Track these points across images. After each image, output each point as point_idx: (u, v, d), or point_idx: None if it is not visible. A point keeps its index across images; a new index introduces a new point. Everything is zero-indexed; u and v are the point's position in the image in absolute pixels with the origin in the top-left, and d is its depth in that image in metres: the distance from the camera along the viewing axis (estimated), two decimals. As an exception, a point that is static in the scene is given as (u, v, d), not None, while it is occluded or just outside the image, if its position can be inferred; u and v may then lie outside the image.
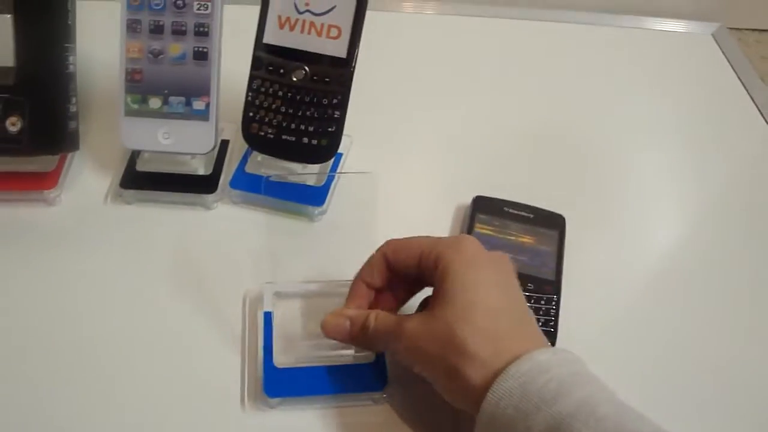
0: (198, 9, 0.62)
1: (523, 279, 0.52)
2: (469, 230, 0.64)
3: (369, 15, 0.60)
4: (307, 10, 0.61)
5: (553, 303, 0.60)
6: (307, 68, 0.62)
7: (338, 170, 0.67)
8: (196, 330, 0.57)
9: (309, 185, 0.65)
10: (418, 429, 0.52)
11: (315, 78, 0.62)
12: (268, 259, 0.60)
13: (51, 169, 0.65)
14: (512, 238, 0.64)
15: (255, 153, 0.66)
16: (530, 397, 0.42)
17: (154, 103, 0.63)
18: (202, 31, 0.62)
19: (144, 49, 0.62)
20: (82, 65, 0.65)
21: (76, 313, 0.57)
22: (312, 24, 0.61)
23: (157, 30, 0.62)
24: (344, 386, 0.52)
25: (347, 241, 0.63)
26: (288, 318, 0.56)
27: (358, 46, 0.61)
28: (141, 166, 0.65)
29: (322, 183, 0.66)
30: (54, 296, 0.58)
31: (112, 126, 0.64)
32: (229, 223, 0.64)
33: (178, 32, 0.62)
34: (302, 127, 0.63)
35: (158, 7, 0.62)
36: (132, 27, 0.62)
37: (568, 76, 0.85)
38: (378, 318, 0.50)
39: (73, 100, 0.63)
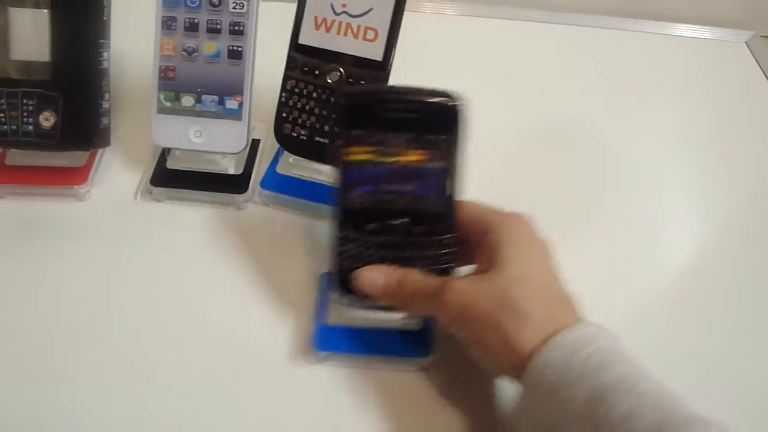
0: (234, 7, 0.61)
1: (410, 222, 0.50)
2: (340, 159, 0.50)
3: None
4: (344, 12, 0.61)
5: (450, 245, 0.51)
6: (342, 70, 0.61)
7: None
8: (236, 322, 0.57)
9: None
10: (457, 400, 0.52)
11: (350, 80, 0.61)
12: (298, 257, 0.60)
13: (82, 164, 0.64)
14: (393, 159, 0.50)
15: (286, 153, 0.65)
16: (575, 366, 0.43)
17: (187, 101, 0.63)
18: (238, 30, 0.61)
19: (178, 47, 0.62)
20: (114, 60, 0.64)
21: (106, 306, 0.57)
22: (348, 25, 0.61)
23: (192, 28, 0.62)
24: (389, 349, 0.53)
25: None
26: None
27: (394, 49, 0.61)
28: (171, 164, 0.65)
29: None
30: (84, 290, 0.58)
31: (143, 122, 0.64)
32: (259, 223, 0.64)
33: (213, 30, 0.61)
34: (336, 129, 0.62)
35: (194, 5, 0.61)
36: (167, 24, 0.62)
37: (595, 81, 0.84)
38: (416, 275, 0.50)
39: (106, 96, 0.63)
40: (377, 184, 0.51)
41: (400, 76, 0.60)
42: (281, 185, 0.64)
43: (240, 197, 0.64)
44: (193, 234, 0.63)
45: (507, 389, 0.52)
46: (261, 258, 0.61)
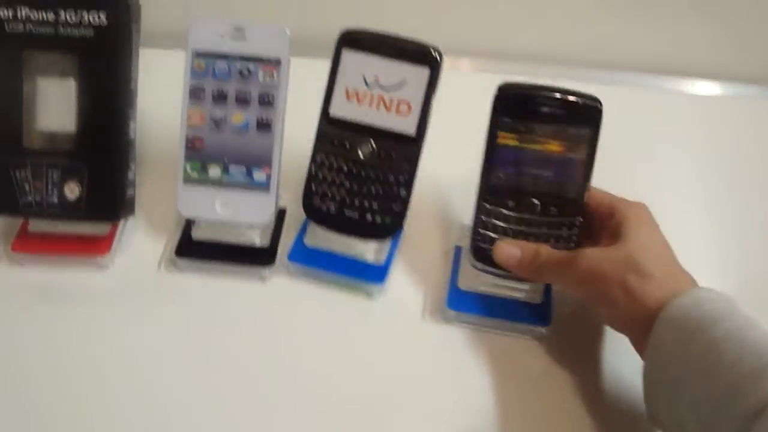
0: (264, 78, 0.60)
1: (545, 203, 0.58)
2: (491, 141, 0.57)
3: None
4: (377, 84, 0.59)
5: (575, 227, 0.58)
6: (374, 144, 0.60)
7: (399, 246, 0.65)
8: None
9: (368, 262, 0.63)
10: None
11: (382, 154, 0.60)
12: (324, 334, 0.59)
13: (105, 233, 0.63)
14: (538, 146, 0.57)
15: (314, 224, 0.63)
16: (693, 320, 0.48)
17: (214, 171, 0.61)
18: (267, 101, 0.60)
19: (206, 117, 0.61)
20: (138, 125, 0.63)
21: (129, 378, 0.56)
22: (381, 98, 0.60)
23: (220, 98, 0.60)
24: (513, 316, 0.59)
25: (404, 318, 0.61)
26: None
27: (427, 124, 0.59)
28: (197, 235, 0.63)
29: (383, 260, 0.63)
30: (107, 361, 0.57)
31: (167, 190, 0.63)
32: (285, 297, 0.62)
33: (242, 101, 0.60)
34: (366, 203, 0.61)
35: (223, 75, 0.60)
36: (195, 94, 0.60)
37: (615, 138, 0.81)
38: (549, 249, 0.56)
39: (132, 166, 0.62)
40: (520, 167, 0.58)
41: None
42: (310, 258, 0.63)
43: (267, 270, 0.62)
44: (218, 306, 0.61)
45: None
46: (287, 332, 0.60)
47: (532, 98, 0.57)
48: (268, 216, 0.62)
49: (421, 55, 0.59)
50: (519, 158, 0.58)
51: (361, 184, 0.60)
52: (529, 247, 0.57)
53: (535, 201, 0.58)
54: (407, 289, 0.63)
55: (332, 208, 0.61)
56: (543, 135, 0.57)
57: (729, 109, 0.86)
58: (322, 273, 0.63)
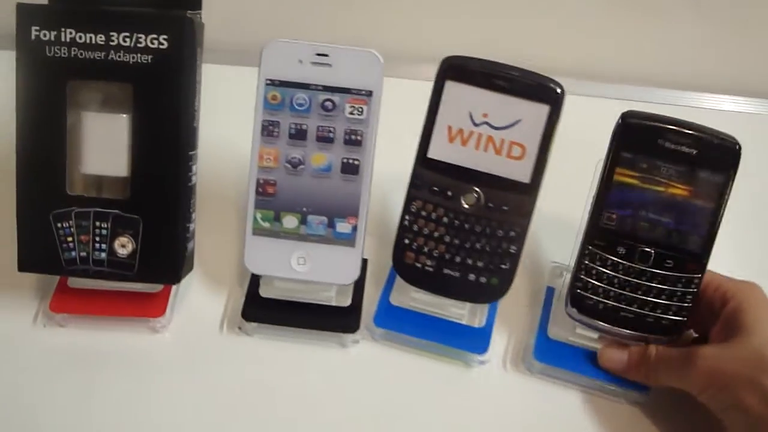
0: (351, 112, 0.51)
1: (661, 254, 0.50)
2: (606, 177, 0.50)
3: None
4: (485, 122, 0.50)
5: (693, 286, 0.50)
6: (480, 192, 0.51)
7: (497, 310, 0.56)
8: None
9: (467, 325, 0.54)
10: None
11: (490, 205, 0.51)
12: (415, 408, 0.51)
13: (158, 290, 0.54)
14: (660, 189, 0.50)
15: (401, 280, 0.54)
16: None
17: (290, 222, 0.52)
18: (354, 140, 0.51)
19: (281, 158, 0.51)
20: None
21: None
22: (490, 139, 0.50)
23: (298, 135, 0.51)
24: (608, 376, 0.52)
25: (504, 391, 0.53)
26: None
27: (544, 170, 0.50)
28: (266, 292, 0.54)
29: (482, 322, 0.54)
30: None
31: (228, 239, 0.57)
32: (370, 365, 0.54)
33: (325, 139, 0.51)
34: (469, 261, 0.52)
35: (302, 108, 0.51)
36: (268, 130, 0.51)
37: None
38: (659, 348, 0.51)
39: (193, 217, 0.52)
40: (636, 209, 0.50)
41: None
42: (399, 321, 0.54)
43: (350, 337, 0.53)
44: (292, 376, 0.53)
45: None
46: (372, 405, 0.52)
47: (660, 132, 0.49)
48: (353, 275, 0.53)
49: (540, 90, 0.49)
50: (636, 199, 0.50)
51: (464, 238, 0.52)
52: (635, 348, 0.52)
53: (650, 250, 0.50)
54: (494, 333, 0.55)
55: (429, 265, 0.52)
56: (667, 176, 0.49)
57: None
58: (414, 339, 0.54)
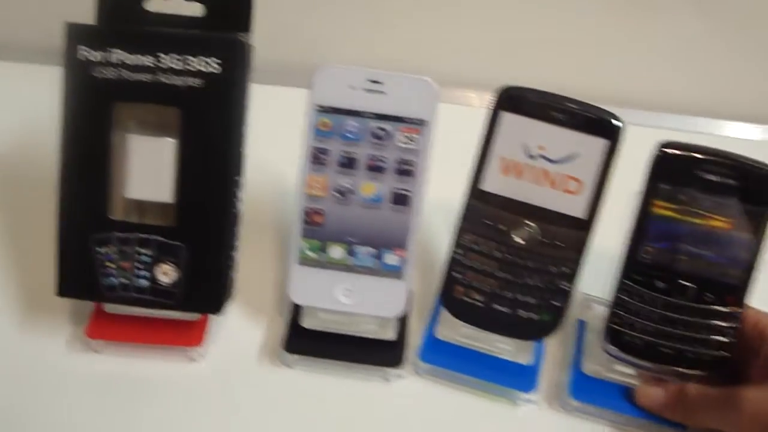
0: (403, 142, 0.49)
1: (701, 288, 0.48)
2: (643, 210, 0.49)
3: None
4: (541, 156, 0.49)
5: (734, 320, 0.49)
6: (534, 227, 0.49)
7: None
8: None
9: (514, 362, 0.53)
10: None
11: (544, 240, 0.49)
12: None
13: (195, 317, 0.52)
14: (699, 221, 0.48)
15: (446, 314, 0.53)
16: None
17: (336, 252, 0.51)
18: (406, 170, 0.49)
19: (329, 186, 0.50)
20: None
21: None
22: (545, 173, 0.49)
23: (348, 164, 0.49)
24: (647, 414, 0.50)
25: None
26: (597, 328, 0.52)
27: (600, 206, 0.49)
28: (308, 323, 0.53)
29: (530, 361, 0.53)
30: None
31: (267, 266, 0.56)
32: (414, 401, 0.52)
33: (375, 169, 0.50)
34: (520, 297, 0.50)
35: (353, 136, 0.49)
36: (317, 158, 0.50)
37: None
38: (698, 387, 0.49)
39: (237, 245, 0.50)
40: (675, 242, 0.49)
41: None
42: (445, 357, 0.52)
43: (394, 371, 0.52)
44: (333, 410, 0.51)
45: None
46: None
47: (699, 163, 0.48)
48: (400, 307, 0.51)
49: (599, 123, 0.48)
50: (674, 232, 0.49)
51: (515, 273, 0.50)
52: (674, 385, 0.50)
53: (689, 284, 0.49)
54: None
55: (479, 300, 0.51)
56: (706, 207, 0.48)
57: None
58: (460, 375, 0.52)
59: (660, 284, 0.49)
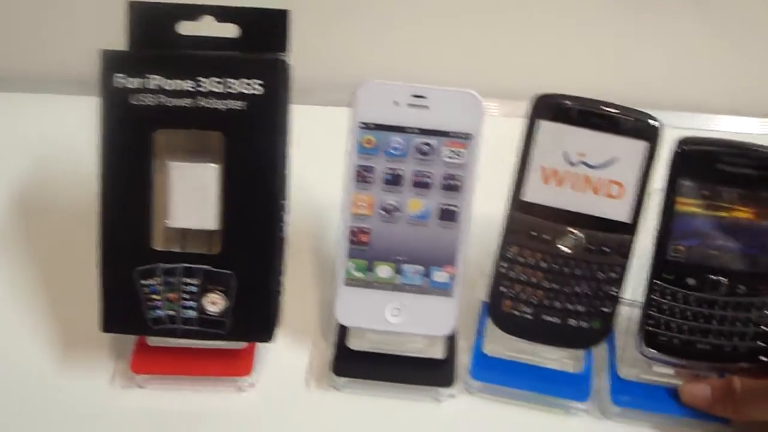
0: (449, 157, 0.49)
1: (733, 281, 0.48)
2: (668, 208, 0.49)
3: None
4: (582, 162, 0.49)
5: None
6: (579, 234, 0.49)
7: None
8: None
9: (565, 371, 0.52)
10: None
11: (590, 247, 0.49)
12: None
13: (241, 345, 0.51)
14: (724, 213, 0.48)
15: (493, 327, 0.52)
16: None
17: (384, 271, 0.50)
18: (452, 185, 0.49)
19: (375, 204, 0.49)
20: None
21: None
22: (587, 179, 0.49)
23: (393, 181, 0.49)
24: (691, 410, 0.50)
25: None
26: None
27: (644, 208, 0.49)
28: (356, 345, 0.52)
29: (581, 369, 0.53)
30: None
31: (310, 288, 0.55)
32: (467, 419, 0.52)
33: (421, 185, 0.49)
34: (569, 306, 0.50)
35: (398, 153, 0.49)
36: (362, 176, 0.49)
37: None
38: (744, 381, 0.48)
39: (284, 269, 0.50)
40: (703, 238, 0.49)
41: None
42: (496, 373, 0.52)
43: (446, 391, 0.51)
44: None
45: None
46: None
47: (719, 156, 0.48)
48: (451, 325, 0.51)
49: (637, 126, 0.48)
50: (701, 228, 0.49)
51: (563, 282, 0.50)
52: (720, 381, 0.50)
53: (722, 278, 0.49)
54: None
55: (528, 312, 0.51)
56: (730, 200, 0.48)
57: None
58: (513, 390, 0.52)
59: (691, 281, 0.49)
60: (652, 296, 0.50)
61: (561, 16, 0.77)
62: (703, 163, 0.48)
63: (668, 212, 0.49)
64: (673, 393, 0.51)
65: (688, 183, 0.48)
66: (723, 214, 0.48)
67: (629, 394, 0.51)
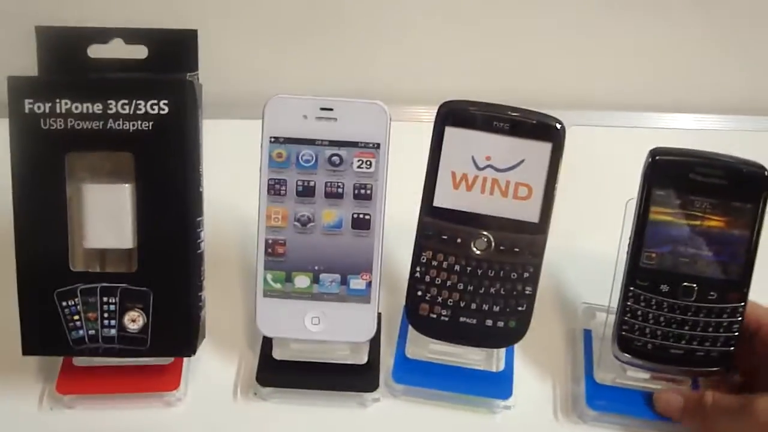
0: (359, 166, 0.50)
1: (703, 288, 0.50)
2: (642, 217, 0.50)
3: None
4: (489, 166, 0.50)
5: (738, 314, 0.50)
6: (490, 236, 0.51)
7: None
8: None
9: (486, 370, 0.54)
10: None
11: (501, 248, 0.51)
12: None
13: (169, 362, 0.52)
14: (696, 222, 0.50)
15: (414, 332, 0.54)
16: None
17: (301, 281, 0.51)
18: (364, 194, 0.50)
19: (289, 216, 0.50)
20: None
21: None
22: (495, 182, 0.50)
23: (306, 192, 0.50)
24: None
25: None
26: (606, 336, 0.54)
27: (551, 207, 0.50)
28: (279, 354, 0.53)
29: (502, 368, 0.54)
30: None
31: (235, 301, 0.56)
32: (393, 423, 0.53)
33: (334, 195, 0.50)
34: (485, 306, 0.51)
35: (308, 165, 0.50)
36: (275, 189, 0.50)
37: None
38: (716, 395, 0.50)
39: (203, 285, 0.51)
40: (676, 245, 0.50)
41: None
42: (419, 376, 0.53)
43: (370, 396, 0.52)
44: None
45: None
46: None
47: (691, 167, 0.50)
48: (370, 331, 0.52)
49: (541, 129, 0.50)
50: (674, 235, 0.51)
51: (478, 284, 0.51)
52: (693, 393, 0.52)
53: (693, 284, 0.50)
54: (531, 384, 0.55)
55: (445, 315, 0.52)
56: (701, 209, 0.50)
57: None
58: (436, 391, 0.53)
59: (664, 287, 0.51)
60: (627, 302, 0.51)
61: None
62: (675, 173, 0.50)
63: (642, 221, 0.51)
64: (647, 398, 0.53)
65: (660, 192, 0.50)
66: (695, 222, 0.50)
67: (605, 399, 0.53)
